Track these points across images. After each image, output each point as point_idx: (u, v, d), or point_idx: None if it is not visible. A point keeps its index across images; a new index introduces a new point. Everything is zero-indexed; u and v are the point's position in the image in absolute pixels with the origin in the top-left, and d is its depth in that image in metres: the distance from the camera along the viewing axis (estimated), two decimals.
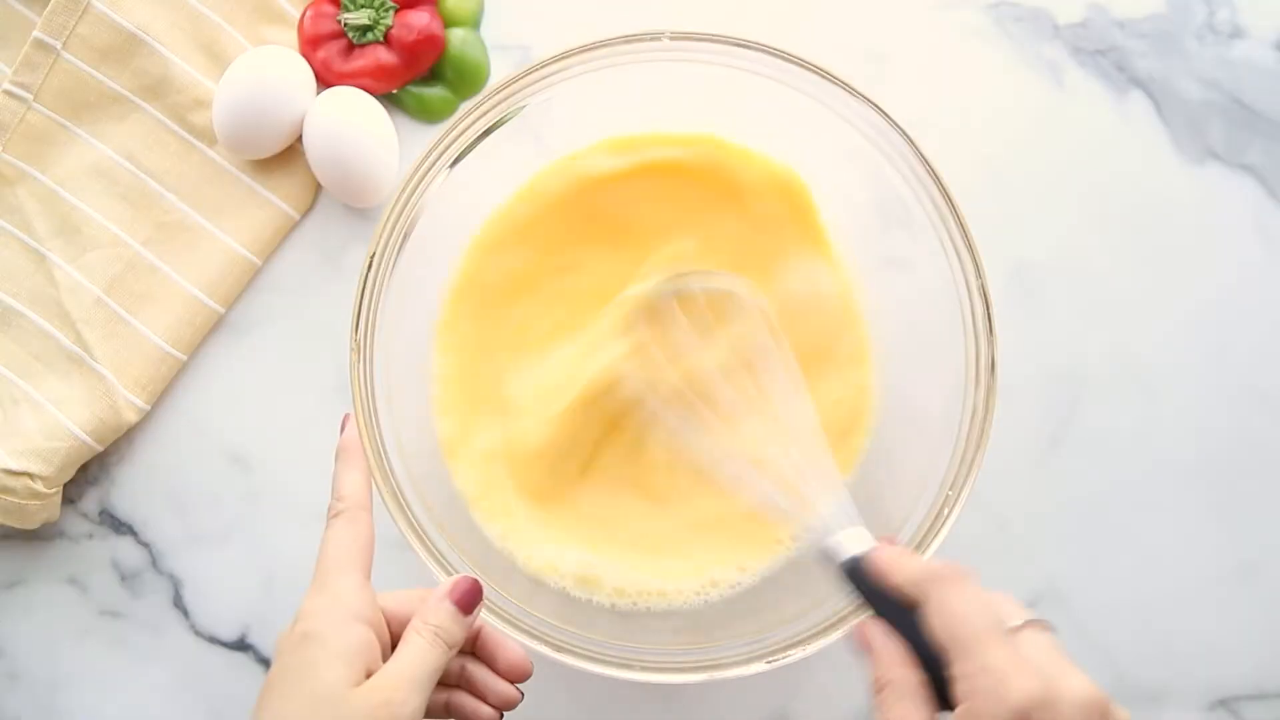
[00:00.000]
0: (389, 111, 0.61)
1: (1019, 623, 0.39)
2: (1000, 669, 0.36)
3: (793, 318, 0.57)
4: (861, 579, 0.42)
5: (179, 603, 0.61)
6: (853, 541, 0.43)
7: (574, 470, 0.57)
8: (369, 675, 0.40)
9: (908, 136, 0.51)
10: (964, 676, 0.37)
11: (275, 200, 0.62)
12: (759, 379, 0.53)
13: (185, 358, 0.62)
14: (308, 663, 0.40)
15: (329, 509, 0.45)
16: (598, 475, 0.57)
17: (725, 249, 0.57)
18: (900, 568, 0.41)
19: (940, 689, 0.38)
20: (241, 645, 0.61)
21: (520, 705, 0.47)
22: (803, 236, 0.57)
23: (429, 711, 0.43)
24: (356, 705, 0.39)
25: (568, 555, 0.55)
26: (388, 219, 0.51)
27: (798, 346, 0.57)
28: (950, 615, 0.38)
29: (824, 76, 0.52)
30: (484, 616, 0.47)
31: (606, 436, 0.57)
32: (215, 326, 0.62)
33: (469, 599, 0.44)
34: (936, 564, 0.40)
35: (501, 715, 0.46)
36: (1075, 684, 0.36)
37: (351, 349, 0.50)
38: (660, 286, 0.55)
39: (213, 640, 0.61)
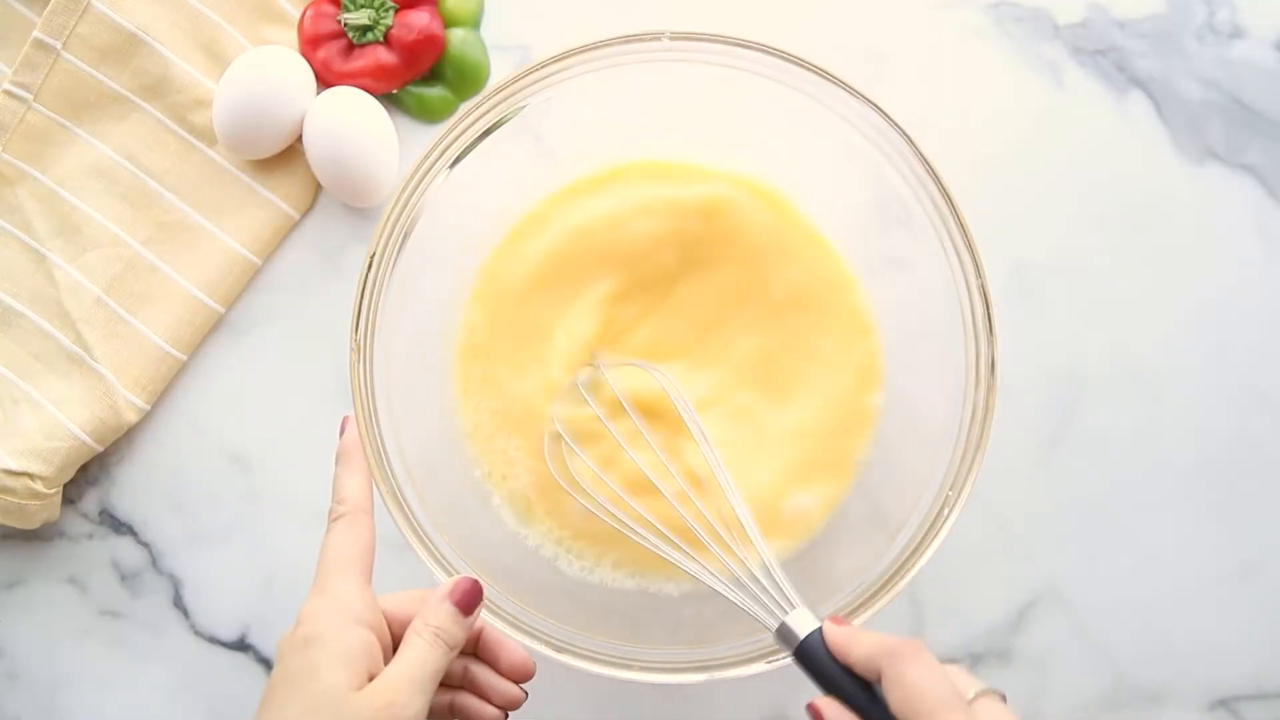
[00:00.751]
0: (389, 111, 0.61)
1: (974, 693, 0.40)
2: None
3: (793, 319, 0.57)
4: (811, 658, 0.43)
5: (179, 603, 0.61)
6: (799, 623, 0.44)
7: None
8: (371, 678, 0.41)
9: (908, 136, 0.51)
10: None
11: (275, 200, 0.62)
12: (694, 465, 0.55)
13: (185, 358, 0.62)
14: (309, 666, 0.40)
15: (330, 512, 0.45)
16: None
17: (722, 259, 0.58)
18: (857, 644, 0.42)
19: None
20: (241, 645, 0.61)
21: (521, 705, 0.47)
22: (801, 242, 0.57)
23: (433, 712, 0.43)
24: (358, 708, 0.39)
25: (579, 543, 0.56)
26: (388, 219, 0.51)
27: (798, 348, 0.57)
28: (909, 688, 0.39)
29: (824, 76, 0.52)
30: (485, 617, 0.47)
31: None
32: (215, 326, 0.62)
33: (469, 599, 0.44)
34: (890, 639, 0.41)
35: (506, 715, 0.47)
36: None
37: (351, 349, 0.50)
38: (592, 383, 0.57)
39: (213, 640, 0.61)
